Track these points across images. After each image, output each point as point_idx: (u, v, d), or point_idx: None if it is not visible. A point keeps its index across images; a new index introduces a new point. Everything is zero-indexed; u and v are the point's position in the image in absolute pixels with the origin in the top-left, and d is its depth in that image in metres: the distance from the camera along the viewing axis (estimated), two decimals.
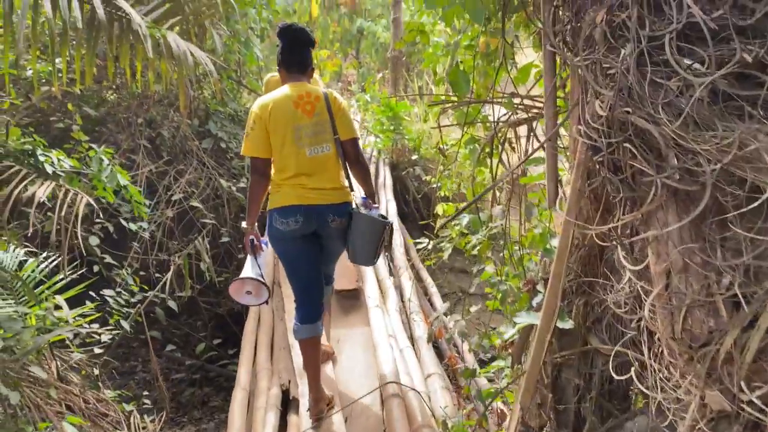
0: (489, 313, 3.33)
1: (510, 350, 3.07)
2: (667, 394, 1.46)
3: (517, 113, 2.62)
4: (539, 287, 2.44)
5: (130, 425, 3.97)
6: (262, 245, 3.20)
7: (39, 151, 3.82)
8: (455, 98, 3.03)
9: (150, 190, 5.75)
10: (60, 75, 4.53)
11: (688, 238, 1.42)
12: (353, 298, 4.75)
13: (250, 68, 7.42)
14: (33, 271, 3.79)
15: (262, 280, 3.05)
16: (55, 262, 3.90)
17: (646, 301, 1.59)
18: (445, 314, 3.09)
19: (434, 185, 5.97)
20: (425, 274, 5.67)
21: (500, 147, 2.91)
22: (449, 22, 2.42)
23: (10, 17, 3.47)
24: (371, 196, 3.35)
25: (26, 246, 4.03)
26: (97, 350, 4.19)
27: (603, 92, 1.45)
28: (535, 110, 2.88)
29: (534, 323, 2.25)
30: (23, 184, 3.68)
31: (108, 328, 4.28)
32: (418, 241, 4.07)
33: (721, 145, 1.29)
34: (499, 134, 2.90)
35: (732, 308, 1.40)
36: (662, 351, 1.62)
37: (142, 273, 5.28)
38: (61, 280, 3.84)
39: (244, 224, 3.19)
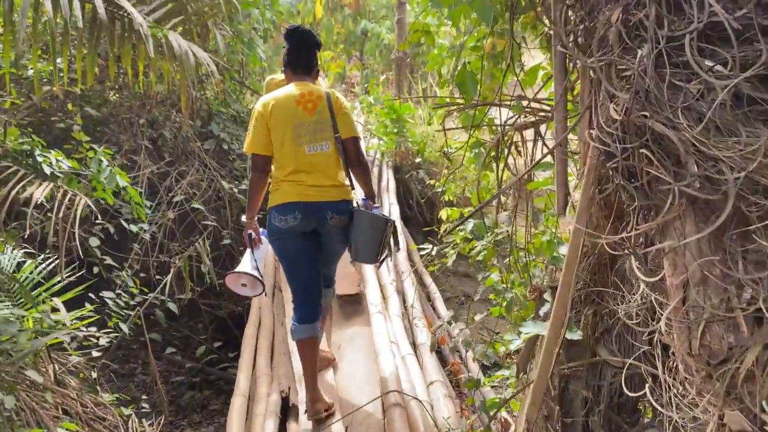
0: (494, 319, 3.27)
1: (514, 359, 3.00)
2: (683, 413, 1.39)
3: (526, 116, 2.55)
4: (546, 296, 2.37)
5: (128, 429, 3.92)
6: (262, 237, 3.28)
7: (37, 152, 3.78)
8: (460, 101, 2.98)
9: (151, 191, 5.72)
10: (61, 75, 4.50)
11: (707, 249, 1.35)
12: (355, 303, 4.68)
13: (253, 69, 7.39)
14: (31, 272, 3.75)
15: (256, 274, 3.13)
16: (54, 264, 3.86)
17: (660, 313, 1.52)
18: (449, 322, 3.03)
19: (438, 189, 5.90)
20: (428, 279, 5.61)
21: (506, 151, 2.84)
22: (456, 22, 2.36)
23: (11, 16, 3.44)
24: (371, 196, 3.34)
25: (25, 247, 3.99)
26: (95, 353, 4.15)
27: (618, 95, 1.38)
28: (542, 113, 2.82)
29: (541, 333, 2.19)
30: (21, 184, 3.63)
31: (106, 330, 4.25)
32: (421, 246, 4.00)
33: (745, 152, 1.22)
34: (506, 138, 2.83)
35: (753, 323, 1.33)
36: (677, 366, 1.55)
37: (142, 275, 5.23)
38: (59, 282, 3.80)
39: (244, 218, 3.27)
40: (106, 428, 3.78)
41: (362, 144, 3.80)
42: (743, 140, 1.24)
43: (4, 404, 2.89)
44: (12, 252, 3.66)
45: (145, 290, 4.85)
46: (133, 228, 4.97)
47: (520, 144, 2.96)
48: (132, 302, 4.61)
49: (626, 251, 1.69)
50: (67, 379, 3.83)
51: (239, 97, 7.12)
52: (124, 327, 4.39)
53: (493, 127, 3.13)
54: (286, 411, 3.45)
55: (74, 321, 3.83)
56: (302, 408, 3.33)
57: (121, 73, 5.69)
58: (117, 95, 6.14)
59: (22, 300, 3.54)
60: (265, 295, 3.42)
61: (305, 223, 3.10)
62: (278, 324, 4.39)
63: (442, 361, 4.50)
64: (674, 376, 1.54)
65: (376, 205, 3.33)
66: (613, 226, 1.89)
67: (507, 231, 2.81)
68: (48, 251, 3.91)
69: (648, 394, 1.51)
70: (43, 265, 3.84)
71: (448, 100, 3.56)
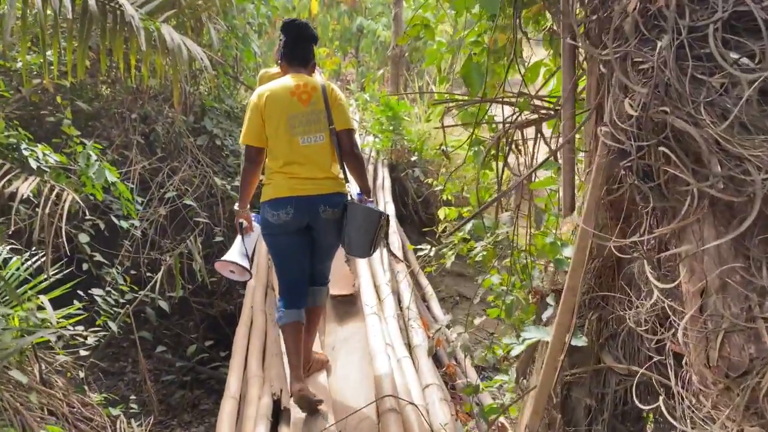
0: (492, 320, 3.19)
1: (512, 362, 2.92)
2: (699, 429, 1.31)
3: (530, 113, 2.47)
4: (549, 300, 2.29)
5: (116, 430, 3.83)
6: (253, 224, 3.31)
7: (23, 145, 3.68)
8: (458, 97, 2.90)
9: (143, 186, 5.64)
10: (51, 67, 4.40)
11: (728, 254, 1.27)
12: (349, 304, 4.60)
13: (247, 64, 7.31)
14: (17, 269, 3.67)
15: (243, 264, 3.21)
16: (41, 261, 3.77)
17: (674, 321, 1.44)
18: (447, 326, 2.94)
19: (435, 188, 5.82)
20: (424, 280, 5.52)
21: (507, 149, 2.76)
22: (460, 12, 2.28)
23: None
24: (366, 191, 3.30)
25: (11, 243, 3.90)
26: (83, 352, 4.06)
27: (636, 89, 1.30)
28: (543, 111, 2.74)
29: (545, 339, 2.10)
30: (6, 178, 3.54)
31: (94, 329, 4.16)
32: (419, 247, 3.92)
33: None
34: (506, 135, 2.75)
35: None
36: (690, 377, 1.47)
37: (133, 272, 5.16)
38: (46, 279, 3.70)
39: (236, 206, 3.31)
40: (93, 429, 3.71)
41: (357, 138, 3.74)
42: None
43: None
44: None
45: (136, 288, 4.77)
46: (124, 224, 4.88)
47: (520, 142, 2.87)
48: (122, 300, 4.54)
49: (637, 255, 1.61)
50: (53, 378, 3.76)
51: (233, 93, 7.05)
52: (113, 325, 4.31)
53: (493, 125, 3.05)
54: (278, 414, 3.36)
55: (61, 319, 3.75)
56: (294, 411, 3.25)
57: (113, 66, 5.60)
58: (109, 89, 6.05)
59: (7, 297, 3.47)
60: (251, 277, 3.54)
61: (298, 219, 3.07)
62: (270, 324, 4.30)
63: (437, 361, 4.42)
64: (687, 387, 1.46)
65: (370, 200, 3.29)
66: (619, 228, 1.81)
67: (507, 232, 2.72)
68: (34, 248, 3.81)
69: (662, 407, 1.42)
70: (30, 262, 3.76)
71: (446, 96, 3.48)
